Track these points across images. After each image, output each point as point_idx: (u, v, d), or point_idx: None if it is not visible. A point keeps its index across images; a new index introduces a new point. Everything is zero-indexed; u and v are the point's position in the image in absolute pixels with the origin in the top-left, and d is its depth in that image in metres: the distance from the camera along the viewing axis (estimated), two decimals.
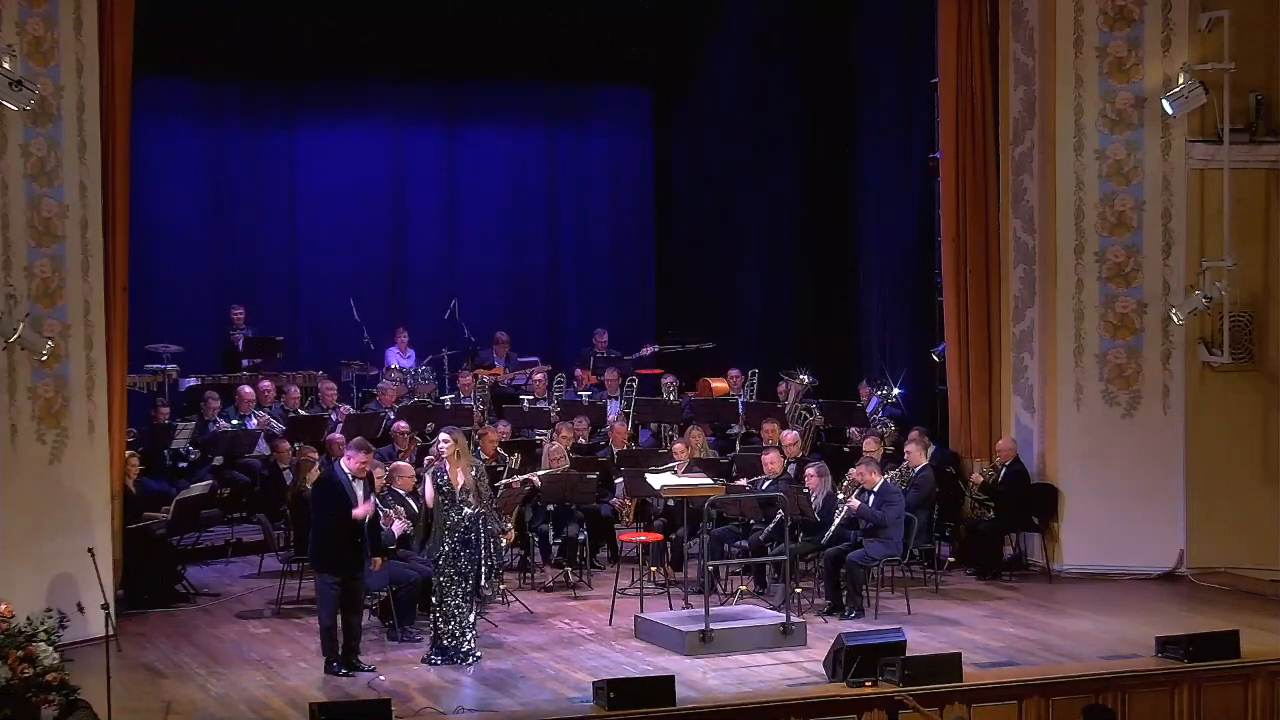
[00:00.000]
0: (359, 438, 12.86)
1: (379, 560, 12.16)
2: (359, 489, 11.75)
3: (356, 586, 11.79)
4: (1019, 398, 15.43)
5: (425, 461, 12.65)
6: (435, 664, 11.79)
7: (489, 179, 21.01)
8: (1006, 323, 15.51)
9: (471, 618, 11.90)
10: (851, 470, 14.09)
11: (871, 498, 13.44)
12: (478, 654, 11.87)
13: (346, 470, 11.75)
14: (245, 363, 18.24)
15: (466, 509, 11.87)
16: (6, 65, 11.96)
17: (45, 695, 10.03)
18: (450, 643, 11.81)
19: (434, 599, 11.92)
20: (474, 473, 12.07)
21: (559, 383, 18.57)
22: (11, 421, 12.27)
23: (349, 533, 11.64)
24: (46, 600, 11.10)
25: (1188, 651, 11.35)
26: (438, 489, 11.94)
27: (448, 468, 11.95)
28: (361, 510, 11.66)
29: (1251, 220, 14.84)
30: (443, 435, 12.23)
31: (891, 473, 14.03)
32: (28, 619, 10.34)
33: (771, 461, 13.96)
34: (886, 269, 18.94)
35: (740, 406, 17.47)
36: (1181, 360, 14.91)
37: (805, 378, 17.38)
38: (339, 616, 11.67)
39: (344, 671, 11.55)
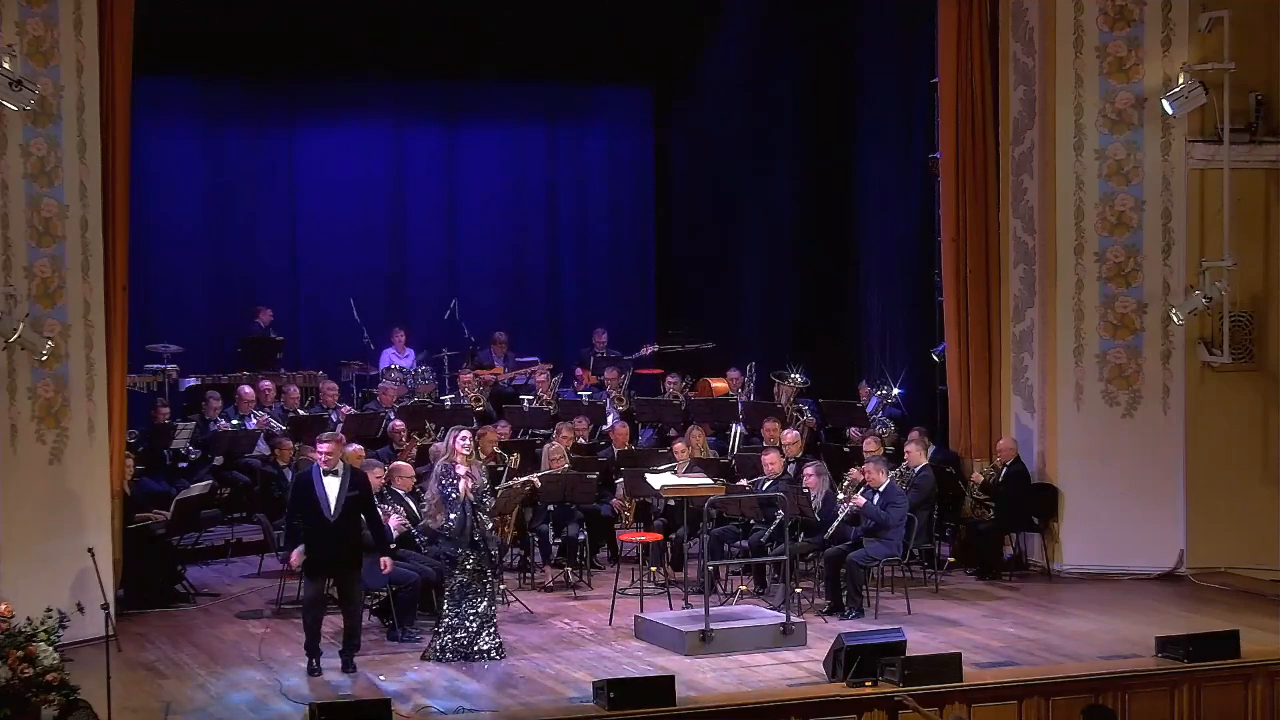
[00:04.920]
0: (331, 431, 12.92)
1: (388, 561, 11.97)
2: (331, 485, 11.55)
3: (344, 587, 11.71)
4: (1019, 398, 15.44)
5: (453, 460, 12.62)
6: (447, 660, 11.81)
7: (489, 179, 21.04)
8: (1006, 323, 15.51)
9: (487, 610, 11.95)
10: (853, 470, 14.11)
11: (876, 497, 13.45)
12: (498, 648, 11.94)
13: (320, 465, 11.64)
14: (279, 357, 18.32)
15: (483, 515, 11.94)
16: (6, 65, 11.97)
17: (45, 695, 10.04)
18: (464, 639, 11.85)
19: (448, 597, 11.92)
20: (480, 476, 12.14)
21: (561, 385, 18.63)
22: (11, 421, 12.27)
23: (312, 533, 11.52)
24: (46, 600, 11.08)
25: (1188, 651, 11.35)
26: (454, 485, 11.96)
27: (458, 465, 11.98)
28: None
29: (1251, 220, 14.84)
30: (463, 434, 12.19)
31: (892, 473, 14.03)
32: (28, 619, 10.34)
33: (772, 462, 13.95)
34: (886, 269, 18.93)
35: (740, 406, 17.46)
36: (1181, 360, 14.91)
37: (797, 377, 17.37)
38: (329, 617, 11.67)
39: (318, 673, 11.47)
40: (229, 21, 18.13)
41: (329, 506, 11.54)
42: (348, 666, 11.64)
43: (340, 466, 11.70)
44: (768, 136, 20.40)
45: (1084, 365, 15.00)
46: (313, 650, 11.63)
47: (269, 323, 18.76)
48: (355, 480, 11.78)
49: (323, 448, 11.73)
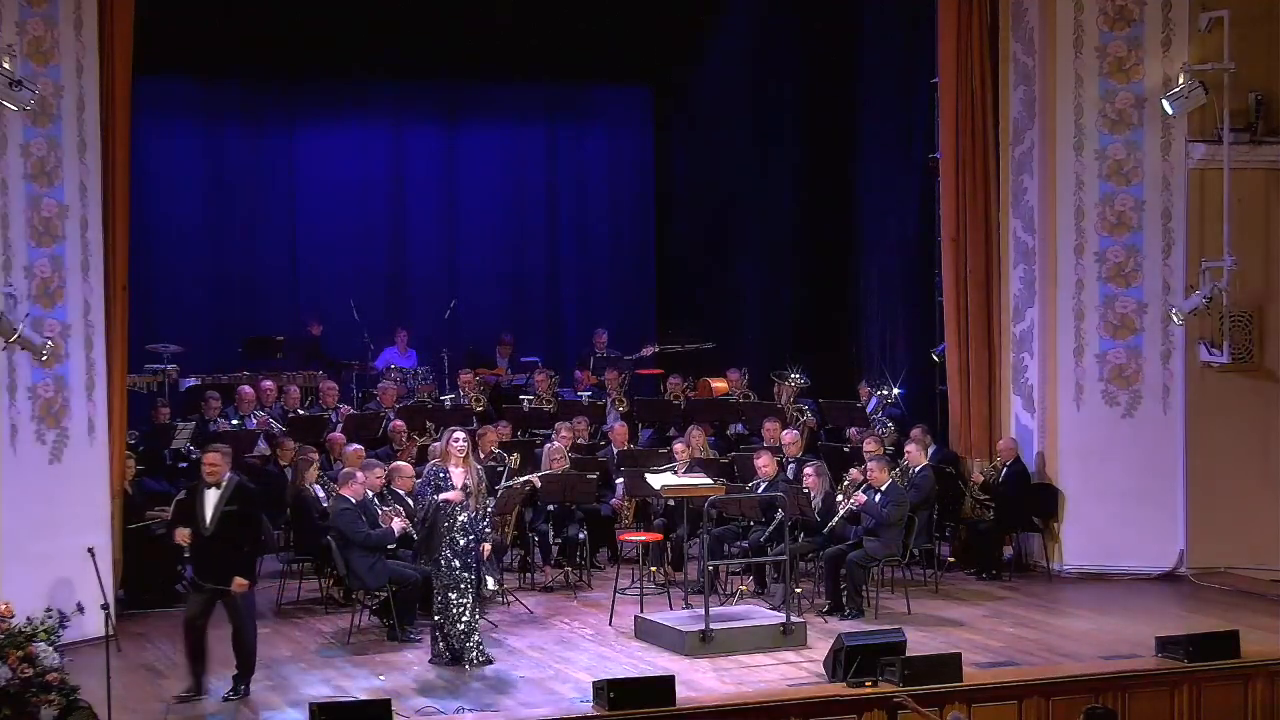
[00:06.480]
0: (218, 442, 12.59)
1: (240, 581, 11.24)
2: (210, 498, 11.08)
3: (227, 602, 11.19)
4: (1019, 398, 15.44)
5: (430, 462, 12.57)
6: (441, 665, 11.76)
7: (489, 179, 21.04)
8: (1006, 323, 15.51)
9: (475, 619, 11.88)
10: (852, 470, 14.11)
11: (878, 496, 13.44)
12: (485, 654, 11.84)
13: (203, 477, 11.21)
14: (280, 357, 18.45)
15: (463, 515, 11.85)
16: (6, 65, 11.95)
17: (45, 695, 10.02)
18: (456, 644, 11.80)
19: (437, 602, 11.88)
20: (475, 475, 12.06)
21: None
22: (11, 421, 12.27)
23: (194, 546, 11.18)
24: (46, 600, 11.08)
25: (1188, 651, 11.34)
26: (437, 489, 11.89)
27: (450, 467, 11.93)
28: (181, 537, 11.19)
29: (1251, 220, 14.84)
30: (459, 434, 12.14)
31: (892, 472, 14.02)
32: (28, 619, 10.34)
33: (764, 465, 13.91)
34: (886, 269, 18.94)
35: (740, 407, 17.46)
36: (1181, 360, 14.91)
37: (797, 377, 17.37)
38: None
39: (186, 699, 11.03)
40: (229, 21, 18.12)
41: (204, 520, 11.14)
42: (236, 690, 11.06)
43: (225, 479, 11.15)
44: (768, 136, 20.39)
45: (1084, 365, 15.00)
46: (194, 670, 11.11)
47: (320, 334, 18.88)
48: (237, 495, 11.20)
49: (206, 458, 11.29)
